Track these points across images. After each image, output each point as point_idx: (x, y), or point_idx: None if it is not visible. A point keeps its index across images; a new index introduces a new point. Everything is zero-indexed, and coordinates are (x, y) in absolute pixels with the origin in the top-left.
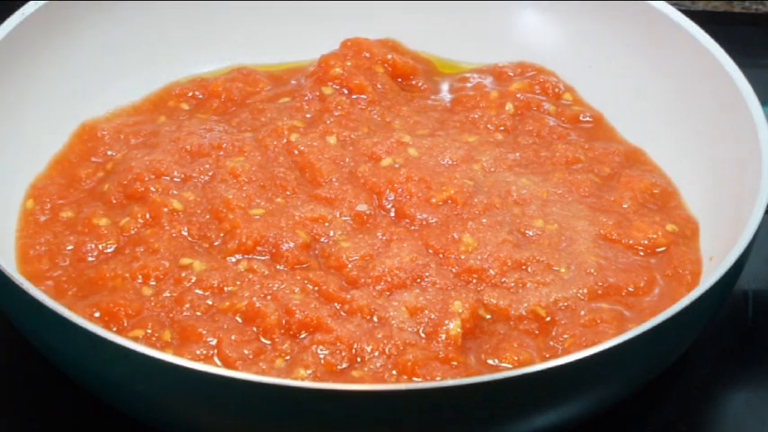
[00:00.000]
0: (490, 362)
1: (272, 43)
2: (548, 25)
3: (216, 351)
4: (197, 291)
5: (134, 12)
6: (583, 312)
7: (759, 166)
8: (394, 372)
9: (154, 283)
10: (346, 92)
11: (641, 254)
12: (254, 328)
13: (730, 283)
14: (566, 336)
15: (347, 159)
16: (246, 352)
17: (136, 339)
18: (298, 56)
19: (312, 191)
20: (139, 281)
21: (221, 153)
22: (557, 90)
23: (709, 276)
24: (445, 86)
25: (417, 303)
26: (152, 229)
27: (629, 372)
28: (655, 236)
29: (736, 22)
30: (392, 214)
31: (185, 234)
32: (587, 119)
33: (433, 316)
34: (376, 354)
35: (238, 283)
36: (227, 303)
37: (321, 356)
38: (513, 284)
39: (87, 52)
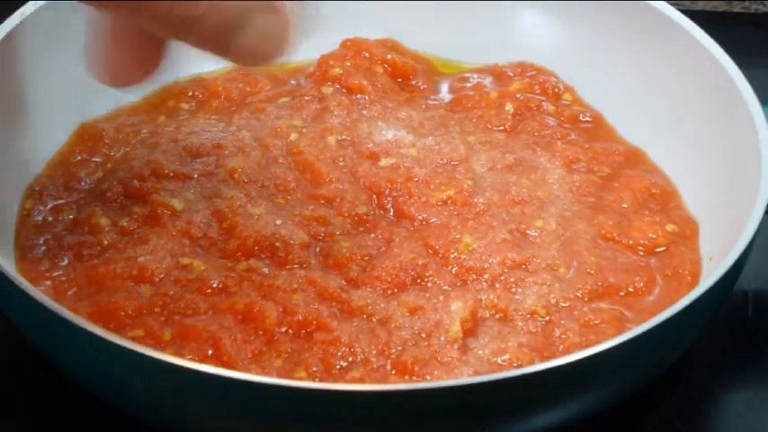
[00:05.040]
0: (490, 362)
1: None
2: (548, 25)
3: (216, 351)
4: (197, 291)
5: None
6: (583, 312)
7: (759, 166)
8: (394, 372)
9: (154, 284)
10: (346, 92)
11: (641, 254)
12: (254, 328)
13: (730, 283)
14: (566, 336)
15: (347, 159)
16: (246, 352)
17: (136, 339)
18: (298, 56)
19: (312, 191)
20: (139, 281)
21: (221, 153)
22: (557, 90)
23: (709, 276)
24: (445, 86)
25: (417, 303)
26: (152, 229)
27: (629, 372)
28: (654, 236)
29: (736, 22)
30: (392, 214)
31: (185, 234)
32: (587, 119)
33: (433, 316)
34: (376, 354)
35: (238, 283)
36: (227, 303)
37: (321, 356)
38: (513, 284)
39: None
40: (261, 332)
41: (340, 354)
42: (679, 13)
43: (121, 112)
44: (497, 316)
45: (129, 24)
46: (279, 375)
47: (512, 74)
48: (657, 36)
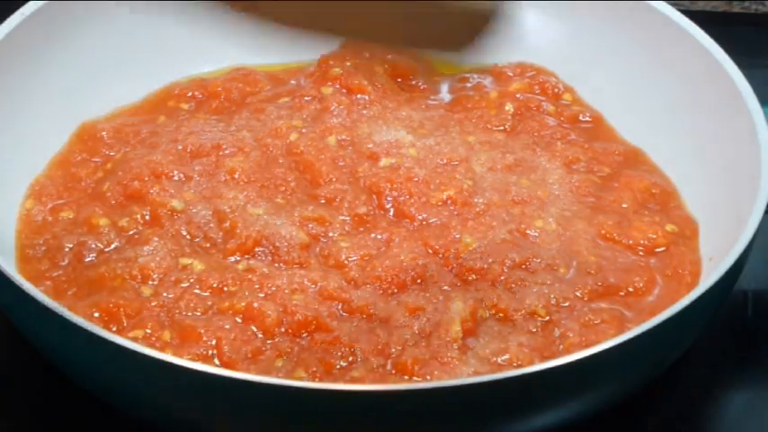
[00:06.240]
0: (490, 362)
1: (272, 43)
2: (548, 25)
3: (216, 351)
4: (197, 291)
5: (134, 12)
6: (583, 312)
7: (759, 166)
8: (394, 372)
9: (154, 284)
10: (346, 92)
11: (641, 254)
12: (254, 328)
13: (730, 284)
14: (566, 336)
15: (347, 159)
16: (246, 352)
17: (136, 339)
18: (298, 56)
19: (312, 191)
20: (139, 281)
21: (221, 153)
22: (556, 90)
23: (709, 276)
24: (445, 86)
25: (417, 303)
26: (152, 229)
27: (629, 372)
28: (654, 236)
29: (736, 22)
30: (392, 214)
31: (185, 234)
32: (587, 119)
33: (433, 316)
34: (376, 354)
35: (238, 282)
36: (227, 303)
37: (321, 356)
38: (513, 284)
39: (87, 52)
40: (261, 332)
41: (340, 354)
42: (679, 13)
43: (121, 112)
44: (497, 316)
45: None
46: (279, 375)
47: (512, 74)
48: (657, 36)
